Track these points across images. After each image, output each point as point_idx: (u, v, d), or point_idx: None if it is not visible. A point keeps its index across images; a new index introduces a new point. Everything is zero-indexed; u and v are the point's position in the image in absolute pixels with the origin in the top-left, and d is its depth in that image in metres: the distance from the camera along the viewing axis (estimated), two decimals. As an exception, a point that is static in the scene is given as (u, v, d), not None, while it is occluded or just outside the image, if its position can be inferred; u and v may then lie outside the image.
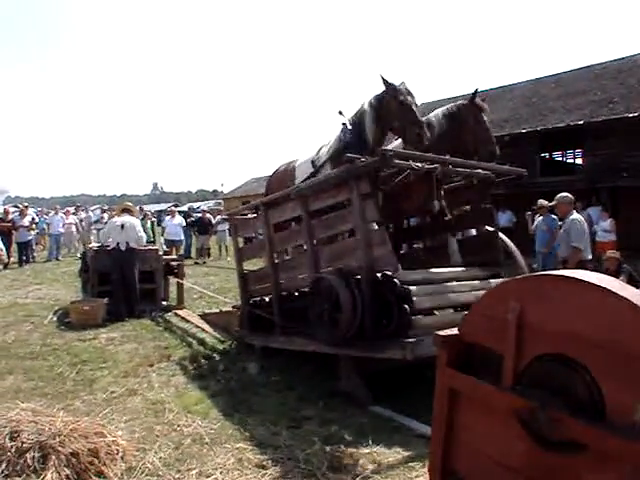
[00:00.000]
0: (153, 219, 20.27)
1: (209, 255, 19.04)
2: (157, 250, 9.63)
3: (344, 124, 5.82)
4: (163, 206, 51.12)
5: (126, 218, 8.98)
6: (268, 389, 5.34)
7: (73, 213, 19.73)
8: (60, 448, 3.60)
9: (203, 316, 8.53)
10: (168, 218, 17.79)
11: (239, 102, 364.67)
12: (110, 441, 3.76)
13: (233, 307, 7.80)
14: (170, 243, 16.61)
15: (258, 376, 5.74)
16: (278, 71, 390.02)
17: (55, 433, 3.71)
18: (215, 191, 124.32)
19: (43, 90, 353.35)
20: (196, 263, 17.17)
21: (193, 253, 18.97)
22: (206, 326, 8.04)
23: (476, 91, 5.74)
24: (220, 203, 42.70)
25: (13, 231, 15.75)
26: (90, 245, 9.72)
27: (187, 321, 8.52)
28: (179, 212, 20.21)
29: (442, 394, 2.56)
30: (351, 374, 5.12)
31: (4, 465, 3.59)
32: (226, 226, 20.43)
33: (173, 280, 10.17)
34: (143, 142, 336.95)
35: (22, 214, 16.46)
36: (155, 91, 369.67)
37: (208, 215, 19.51)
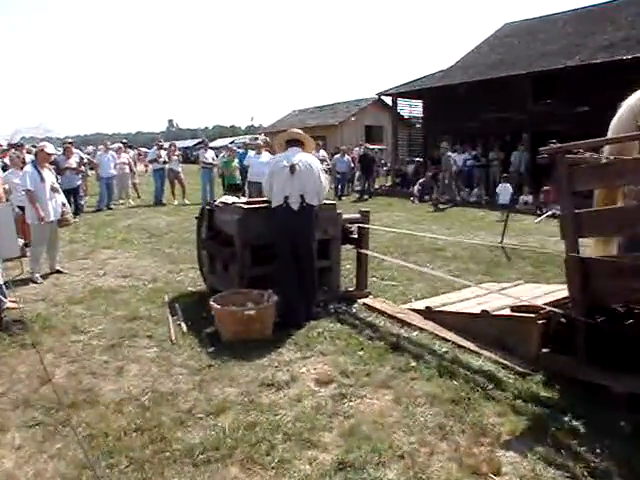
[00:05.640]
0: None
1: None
2: (334, 206, 5.85)
3: None
4: (182, 143, 47.55)
5: (299, 156, 5.23)
6: None
7: (124, 151, 16.14)
8: None
9: (431, 314, 5.10)
10: (253, 154, 13.95)
11: (253, 36, 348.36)
12: None
13: (514, 309, 4.38)
14: (255, 186, 12.82)
15: None
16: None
17: None
18: (233, 126, 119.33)
19: (48, 24, 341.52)
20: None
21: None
22: (448, 333, 4.68)
23: None
24: (257, 138, 38.62)
25: (57, 175, 12.21)
26: (223, 198, 6.00)
27: (398, 320, 5.11)
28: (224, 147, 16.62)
29: None
30: None
31: None
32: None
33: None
34: (156, 77, 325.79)
35: (67, 154, 12.82)
36: (168, 23, 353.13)
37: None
